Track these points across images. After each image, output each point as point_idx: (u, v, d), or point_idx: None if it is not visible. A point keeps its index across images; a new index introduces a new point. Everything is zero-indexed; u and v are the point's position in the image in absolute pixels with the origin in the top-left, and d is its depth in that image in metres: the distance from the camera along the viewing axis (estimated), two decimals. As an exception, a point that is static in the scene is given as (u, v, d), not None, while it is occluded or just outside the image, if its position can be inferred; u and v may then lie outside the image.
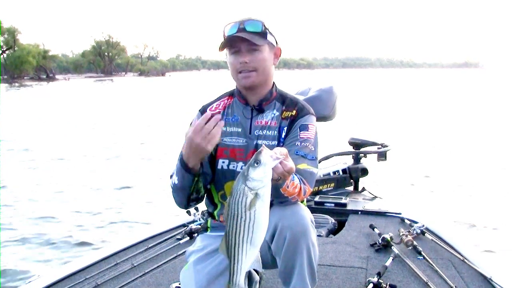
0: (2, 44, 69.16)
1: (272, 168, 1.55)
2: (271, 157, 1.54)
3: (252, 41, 1.91)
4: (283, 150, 1.61)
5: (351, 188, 4.48)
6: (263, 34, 1.96)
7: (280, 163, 1.58)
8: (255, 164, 1.51)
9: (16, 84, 56.51)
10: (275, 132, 2.01)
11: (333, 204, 3.87)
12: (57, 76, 76.50)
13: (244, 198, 1.51)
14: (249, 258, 1.56)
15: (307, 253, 1.83)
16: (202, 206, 2.19)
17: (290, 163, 1.62)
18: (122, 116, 19.81)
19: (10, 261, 4.87)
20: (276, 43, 2.03)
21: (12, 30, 69.75)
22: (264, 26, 1.97)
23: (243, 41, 1.92)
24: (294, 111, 2.03)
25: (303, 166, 1.87)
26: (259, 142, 1.98)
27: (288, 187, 1.75)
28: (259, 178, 1.51)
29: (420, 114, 18.78)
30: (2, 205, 6.89)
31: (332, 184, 4.35)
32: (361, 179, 4.51)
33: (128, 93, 37.40)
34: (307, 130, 1.98)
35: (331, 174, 4.40)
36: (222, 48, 1.99)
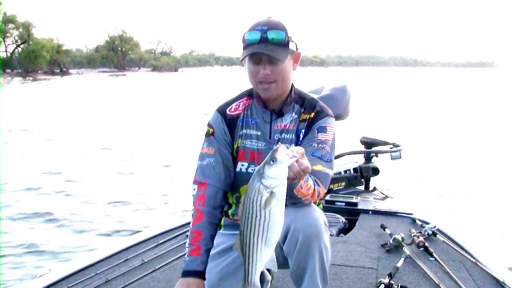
0: (16, 38, 69.89)
1: (288, 167, 1.52)
2: (288, 155, 1.51)
3: (274, 56, 1.84)
4: (299, 149, 1.59)
5: (362, 187, 4.47)
6: (285, 43, 1.87)
7: (296, 161, 1.55)
8: (271, 162, 1.48)
9: (30, 78, 56.96)
10: (293, 135, 1.99)
11: (344, 203, 3.86)
12: (70, 71, 76.97)
13: (259, 196, 1.48)
14: (264, 258, 1.54)
15: (319, 256, 1.81)
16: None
17: (306, 162, 1.58)
18: (136, 111, 19.87)
19: (14, 259, 4.89)
20: (296, 48, 1.94)
21: (27, 25, 70.31)
22: (287, 35, 1.86)
23: (265, 53, 1.85)
24: (313, 114, 2.00)
25: (318, 167, 1.85)
26: None
27: (302, 188, 1.71)
28: (275, 176, 1.47)
29: (433, 114, 18.62)
30: (13, 198, 6.97)
31: (343, 183, 4.33)
32: (372, 179, 4.50)
33: (141, 88, 37.53)
34: (325, 132, 1.96)
35: (342, 173, 4.39)
36: (243, 58, 1.90)
